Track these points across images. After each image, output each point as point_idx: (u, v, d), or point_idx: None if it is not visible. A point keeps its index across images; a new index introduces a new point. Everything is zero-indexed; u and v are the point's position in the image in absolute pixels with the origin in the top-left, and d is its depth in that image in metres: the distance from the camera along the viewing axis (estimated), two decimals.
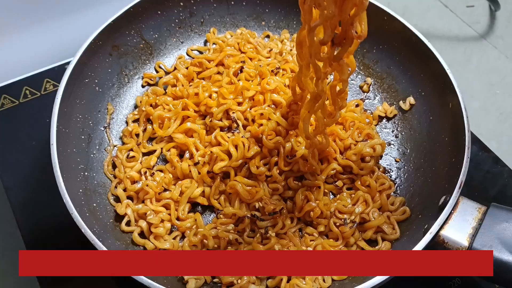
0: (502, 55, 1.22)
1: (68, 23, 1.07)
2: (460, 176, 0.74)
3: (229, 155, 0.82)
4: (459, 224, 0.71)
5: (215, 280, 0.75)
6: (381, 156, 0.90)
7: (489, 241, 0.68)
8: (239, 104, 0.89)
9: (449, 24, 1.30)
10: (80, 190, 0.78)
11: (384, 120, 0.96)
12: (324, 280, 0.75)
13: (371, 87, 1.00)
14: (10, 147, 0.91)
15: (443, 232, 0.71)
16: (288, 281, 0.73)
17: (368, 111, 0.97)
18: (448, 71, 0.86)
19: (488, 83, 1.17)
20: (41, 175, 0.77)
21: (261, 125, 0.85)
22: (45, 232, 0.82)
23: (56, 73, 1.00)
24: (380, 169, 0.87)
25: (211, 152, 0.83)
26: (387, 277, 0.67)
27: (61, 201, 0.70)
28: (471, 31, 1.28)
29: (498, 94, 1.15)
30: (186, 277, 0.73)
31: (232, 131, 0.85)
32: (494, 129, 1.08)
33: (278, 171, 0.83)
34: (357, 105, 0.94)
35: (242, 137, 0.83)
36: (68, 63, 0.89)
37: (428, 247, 0.69)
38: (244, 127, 0.87)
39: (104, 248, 0.67)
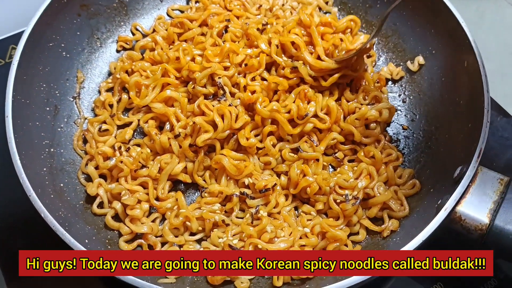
0: None
1: None
2: (479, 143, 0.65)
3: (214, 126, 0.74)
4: (478, 198, 0.63)
5: None
6: (388, 124, 0.80)
7: None
8: (226, 68, 0.79)
9: None
10: (44, 169, 0.71)
11: (389, 83, 0.87)
12: None
13: (374, 46, 0.91)
14: None
15: (460, 208, 0.63)
16: None
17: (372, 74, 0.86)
18: (463, 25, 0.76)
19: (504, 43, 1.08)
20: (6, 156, 0.68)
21: (254, 92, 0.76)
22: (13, 223, 0.76)
23: None
24: (386, 138, 0.78)
25: (194, 122, 0.74)
26: None
27: None
28: None
29: None
30: None
31: (218, 98, 0.77)
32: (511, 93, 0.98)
33: (271, 142, 0.74)
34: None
35: (229, 105, 0.74)
36: None
37: (442, 225, 0.61)
38: (232, 94, 0.77)
39: (68, 235, 0.60)
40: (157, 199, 0.73)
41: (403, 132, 0.81)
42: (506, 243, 0.60)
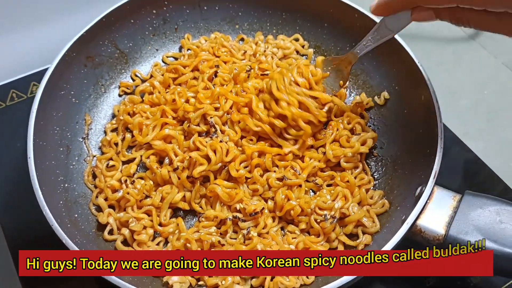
0: (491, 56, 1.23)
1: (53, 27, 1.09)
2: (434, 166, 0.75)
3: (208, 159, 0.83)
4: (435, 213, 0.73)
5: (200, 283, 0.76)
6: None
7: (465, 228, 0.70)
8: (216, 109, 0.89)
9: (438, 24, 1.28)
10: (61, 202, 0.78)
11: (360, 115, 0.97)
12: (307, 276, 0.76)
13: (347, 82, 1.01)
14: None
15: (420, 222, 0.72)
16: (272, 279, 0.74)
17: None
18: (418, 64, 0.86)
19: (477, 83, 1.18)
20: (25, 176, 0.77)
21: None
22: (29, 234, 0.84)
23: (42, 76, 0.99)
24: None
25: (190, 157, 0.83)
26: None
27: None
28: (460, 31, 1.28)
29: (486, 94, 1.16)
30: (170, 282, 0.74)
31: (210, 135, 0.86)
32: (482, 128, 1.09)
33: (259, 173, 0.84)
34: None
35: (220, 141, 0.84)
36: None
37: (406, 237, 0.70)
38: (223, 131, 0.87)
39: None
40: (160, 224, 0.81)
41: (373, 158, 0.91)
42: None
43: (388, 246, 0.69)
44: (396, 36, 0.90)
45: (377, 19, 0.94)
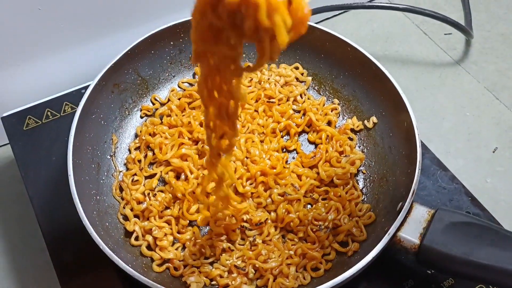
0: (474, 80, 1.32)
1: (83, 52, 1.19)
2: (413, 185, 0.86)
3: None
4: (413, 225, 0.84)
5: (213, 283, 0.88)
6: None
7: (436, 238, 0.81)
8: None
9: (427, 50, 1.39)
10: (94, 212, 0.90)
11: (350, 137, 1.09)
12: (304, 278, 0.89)
13: (340, 107, 1.13)
14: (34, 162, 1.04)
15: (399, 233, 0.83)
16: (274, 280, 0.87)
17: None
18: (401, 93, 0.98)
19: (460, 105, 1.28)
20: (60, 186, 0.89)
21: None
22: (64, 236, 0.95)
23: (73, 96, 1.11)
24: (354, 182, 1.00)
25: (203, 174, 0.95)
26: (359, 268, 0.79)
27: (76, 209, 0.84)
28: (447, 57, 1.38)
29: (468, 115, 1.26)
30: (188, 282, 0.87)
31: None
32: (462, 148, 1.20)
33: (262, 188, 0.97)
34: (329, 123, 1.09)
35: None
36: (84, 87, 1.04)
37: (388, 245, 0.82)
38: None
39: (120, 260, 0.79)
40: (179, 232, 0.92)
41: (362, 175, 1.04)
42: (431, 257, 0.80)
43: (373, 253, 0.80)
44: (382, 68, 1.02)
45: (366, 52, 1.07)
